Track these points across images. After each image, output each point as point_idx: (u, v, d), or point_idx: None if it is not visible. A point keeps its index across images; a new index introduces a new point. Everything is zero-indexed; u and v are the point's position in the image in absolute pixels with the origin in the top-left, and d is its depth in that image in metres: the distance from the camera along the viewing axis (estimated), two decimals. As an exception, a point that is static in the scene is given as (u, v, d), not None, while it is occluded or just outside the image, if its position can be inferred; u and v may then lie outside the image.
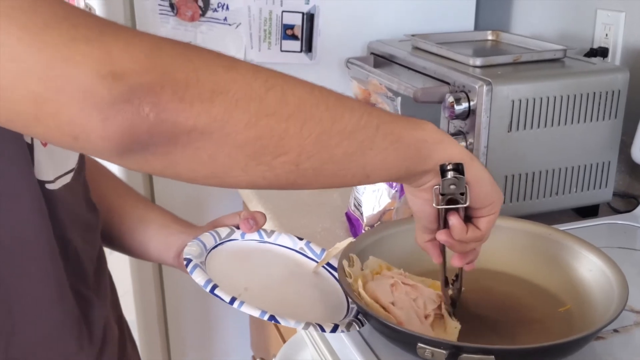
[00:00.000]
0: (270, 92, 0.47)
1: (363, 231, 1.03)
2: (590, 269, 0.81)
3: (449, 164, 0.55)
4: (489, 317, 0.79)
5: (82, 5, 1.41)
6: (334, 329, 0.66)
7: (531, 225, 0.89)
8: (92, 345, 0.63)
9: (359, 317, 0.71)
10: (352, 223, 1.09)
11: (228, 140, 0.46)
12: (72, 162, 0.62)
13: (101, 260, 0.69)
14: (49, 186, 0.58)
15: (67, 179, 0.61)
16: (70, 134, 0.42)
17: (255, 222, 0.76)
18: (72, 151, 0.61)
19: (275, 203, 1.21)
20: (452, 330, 0.73)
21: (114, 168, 0.77)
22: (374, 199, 1.02)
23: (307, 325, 0.64)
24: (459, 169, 0.56)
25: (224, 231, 0.77)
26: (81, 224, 0.64)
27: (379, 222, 1.03)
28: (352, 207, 1.08)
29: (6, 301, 0.56)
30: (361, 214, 1.04)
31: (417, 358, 0.67)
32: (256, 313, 0.62)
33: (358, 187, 1.05)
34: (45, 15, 0.41)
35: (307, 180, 0.51)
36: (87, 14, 0.44)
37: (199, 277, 0.64)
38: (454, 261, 0.65)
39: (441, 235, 0.61)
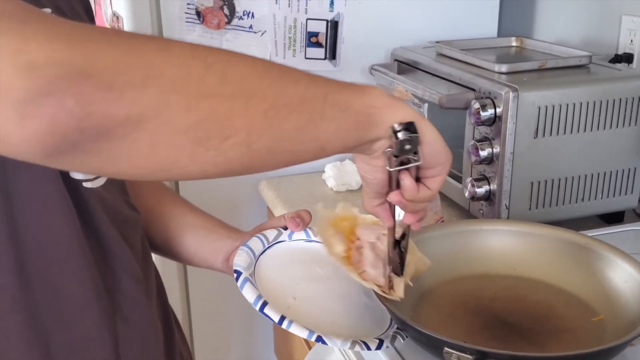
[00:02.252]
0: (210, 71, 0.43)
1: (388, 237, 1.04)
2: (625, 279, 0.81)
3: (400, 124, 0.55)
4: (521, 325, 0.79)
5: (109, 13, 1.43)
6: (379, 345, 0.66)
7: (568, 233, 0.89)
8: (135, 343, 0.64)
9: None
10: (377, 229, 1.10)
11: (168, 128, 0.42)
12: None
13: (146, 254, 0.69)
14: (86, 184, 0.58)
15: (104, 179, 0.61)
16: None
17: (302, 219, 0.76)
18: None
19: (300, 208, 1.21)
20: (400, 286, 0.71)
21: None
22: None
23: (354, 344, 0.64)
24: (410, 128, 0.55)
25: (271, 234, 0.77)
26: (122, 221, 0.64)
27: (404, 228, 1.03)
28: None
29: (47, 300, 0.57)
30: (386, 219, 1.05)
31: (445, 363, 0.68)
32: (304, 334, 0.62)
33: (383, 193, 1.06)
34: None
35: (262, 162, 0.48)
36: (15, 3, 0.39)
37: (249, 294, 0.65)
38: (406, 219, 0.65)
39: (394, 197, 0.60)
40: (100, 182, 0.60)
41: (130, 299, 0.63)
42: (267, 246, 0.75)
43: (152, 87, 0.41)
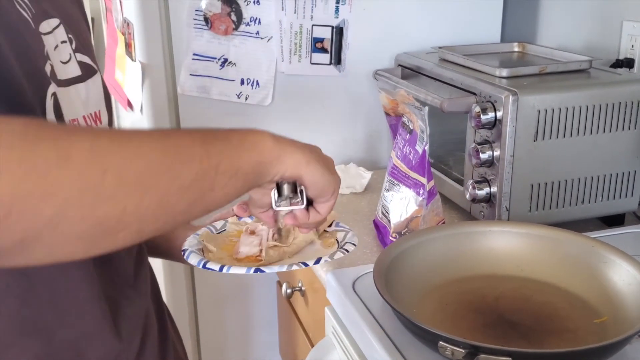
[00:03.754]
0: (106, 175, 0.44)
1: (390, 238, 1.06)
2: (629, 282, 0.82)
3: (283, 182, 0.60)
4: (523, 325, 0.81)
5: (120, 20, 1.46)
6: (317, 261, 0.71)
7: (573, 235, 0.91)
8: (132, 337, 0.67)
9: (344, 247, 0.75)
10: (380, 230, 1.12)
11: (63, 237, 0.43)
12: None
13: (141, 254, 0.73)
14: None
15: None
16: None
17: (247, 206, 0.80)
18: None
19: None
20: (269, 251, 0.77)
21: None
22: (401, 206, 1.05)
23: (291, 266, 0.70)
24: (294, 183, 0.61)
25: (219, 223, 0.84)
26: None
27: (406, 229, 1.05)
28: (380, 215, 1.11)
29: (51, 299, 0.61)
30: (389, 221, 1.07)
31: (441, 357, 0.70)
32: (242, 271, 0.69)
33: (386, 194, 1.08)
34: None
35: (149, 235, 0.50)
36: None
37: (193, 260, 0.71)
38: (287, 220, 0.68)
39: (289, 220, 0.66)
40: None
41: (127, 296, 0.67)
42: (215, 233, 0.83)
43: (48, 209, 0.41)
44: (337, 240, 0.79)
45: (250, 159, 0.55)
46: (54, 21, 0.63)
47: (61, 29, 0.64)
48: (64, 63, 0.64)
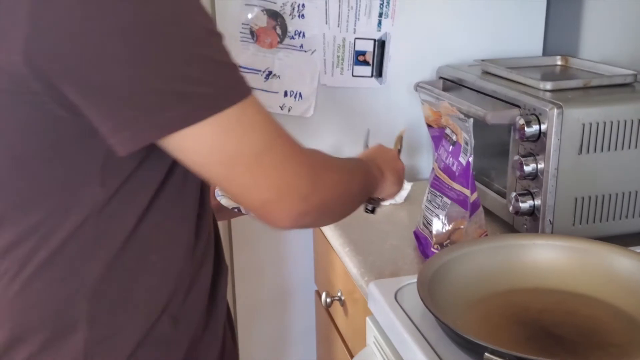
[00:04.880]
0: (347, 192, 0.84)
1: (432, 249, 1.06)
2: None
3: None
4: (567, 338, 0.80)
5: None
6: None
7: (619, 249, 0.91)
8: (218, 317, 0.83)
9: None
10: (421, 241, 1.12)
11: (346, 206, 0.85)
12: None
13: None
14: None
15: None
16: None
17: None
18: None
19: (345, 220, 1.25)
20: None
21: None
22: (443, 217, 1.06)
23: None
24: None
25: None
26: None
27: (448, 241, 1.06)
28: (421, 226, 1.12)
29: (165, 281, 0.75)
30: (430, 232, 1.08)
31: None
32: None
33: (427, 205, 1.09)
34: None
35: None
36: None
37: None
38: None
39: None
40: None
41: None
42: None
43: (346, 206, 0.84)
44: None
45: (375, 190, 0.94)
46: None
47: None
48: None
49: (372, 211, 1.04)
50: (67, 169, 0.66)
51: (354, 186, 0.85)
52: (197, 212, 0.76)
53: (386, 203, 1.09)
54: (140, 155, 0.67)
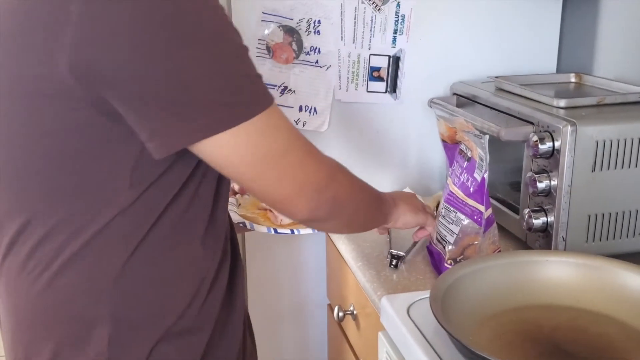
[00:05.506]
0: (367, 197, 0.95)
1: (446, 265, 1.07)
2: None
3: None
4: (579, 356, 0.81)
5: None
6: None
7: (632, 267, 0.91)
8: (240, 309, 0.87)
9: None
10: (434, 256, 1.13)
11: (356, 217, 0.94)
12: None
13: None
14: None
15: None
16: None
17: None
18: None
19: (357, 234, 1.26)
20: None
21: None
22: (457, 233, 1.06)
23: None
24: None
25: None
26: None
27: (462, 257, 1.06)
28: (434, 241, 1.12)
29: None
30: (443, 247, 1.08)
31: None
32: (263, 230, 1.13)
33: (441, 220, 1.09)
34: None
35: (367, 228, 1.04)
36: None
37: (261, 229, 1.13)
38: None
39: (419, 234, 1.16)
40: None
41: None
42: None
43: (357, 208, 0.90)
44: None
45: (388, 221, 1.03)
46: None
47: None
48: None
49: (396, 266, 1.13)
50: (100, 170, 0.70)
51: (365, 193, 0.92)
52: (210, 210, 0.80)
53: (409, 257, 1.17)
54: (169, 160, 0.71)
